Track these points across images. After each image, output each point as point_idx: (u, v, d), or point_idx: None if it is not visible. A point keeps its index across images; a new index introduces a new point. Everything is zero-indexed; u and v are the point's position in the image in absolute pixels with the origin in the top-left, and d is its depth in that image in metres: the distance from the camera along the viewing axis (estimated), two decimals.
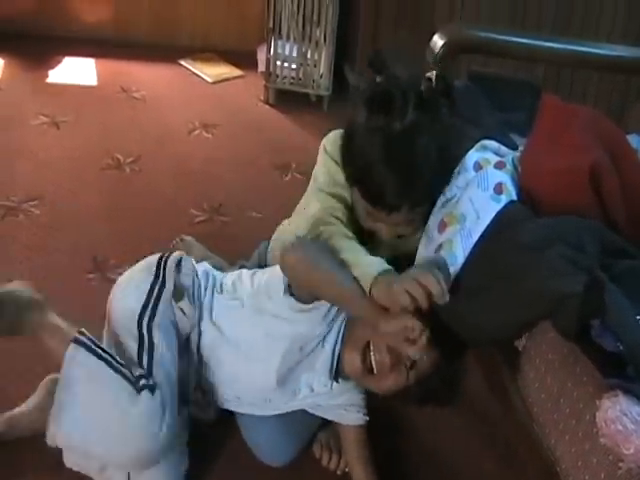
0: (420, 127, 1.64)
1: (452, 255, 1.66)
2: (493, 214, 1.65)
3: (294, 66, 3.67)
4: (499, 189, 1.70)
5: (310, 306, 1.75)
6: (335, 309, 1.78)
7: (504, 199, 1.68)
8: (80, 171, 2.97)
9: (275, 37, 3.60)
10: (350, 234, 1.73)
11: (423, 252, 1.76)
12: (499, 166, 1.77)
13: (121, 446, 1.64)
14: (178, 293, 1.84)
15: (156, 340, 1.75)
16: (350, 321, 1.80)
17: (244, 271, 1.93)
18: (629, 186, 1.69)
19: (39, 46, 3.77)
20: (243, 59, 3.97)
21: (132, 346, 1.75)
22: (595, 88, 3.40)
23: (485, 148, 1.84)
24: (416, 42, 2.49)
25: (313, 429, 1.98)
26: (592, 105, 3.31)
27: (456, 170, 1.80)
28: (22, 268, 2.42)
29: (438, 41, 2.19)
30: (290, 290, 1.74)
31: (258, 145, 3.39)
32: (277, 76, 3.68)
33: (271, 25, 3.58)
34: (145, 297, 1.81)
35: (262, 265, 2.12)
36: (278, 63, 3.65)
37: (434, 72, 1.87)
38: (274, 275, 1.78)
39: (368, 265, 1.61)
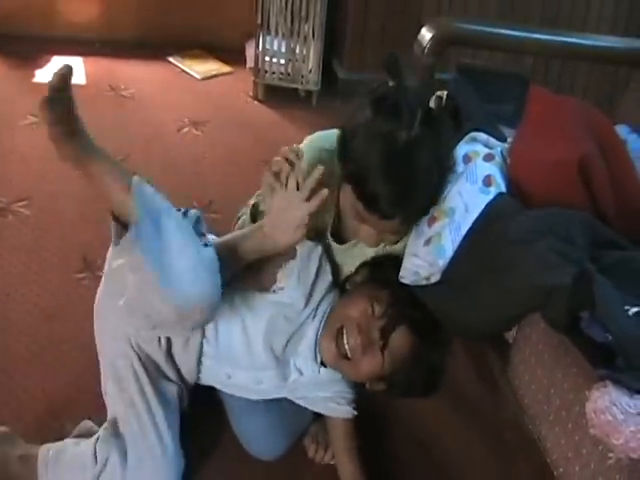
0: (423, 143, 1.61)
1: (441, 249, 1.66)
2: (482, 207, 1.65)
3: (283, 62, 3.67)
4: (488, 181, 1.70)
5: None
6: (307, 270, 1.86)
7: (493, 191, 1.68)
8: (69, 171, 2.89)
9: (263, 33, 3.60)
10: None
11: (412, 245, 1.76)
12: (488, 158, 1.76)
13: (192, 285, 1.55)
14: None
15: None
16: (331, 309, 1.86)
17: None
18: (618, 178, 1.69)
19: (26, 46, 3.76)
20: (232, 55, 3.97)
21: None
22: (584, 79, 3.41)
23: (474, 140, 1.84)
24: (404, 36, 2.49)
25: (305, 425, 1.98)
26: (581, 96, 3.33)
27: None
28: (11, 268, 2.41)
29: (426, 34, 2.18)
30: None
31: (247, 141, 3.38)
32: (266, 72, 3.68)
33: (259, 21, 3.57)
34: None
35: None
36: (267, 59, 3.65)
37: (445, 92, 1.86)
38: None
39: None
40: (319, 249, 1.88)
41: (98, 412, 1.86)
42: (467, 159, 1.77)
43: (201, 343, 1.81)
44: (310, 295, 1.85)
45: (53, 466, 1.73)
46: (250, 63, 3.74)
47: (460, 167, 1.75)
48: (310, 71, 3.67)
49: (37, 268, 2.43)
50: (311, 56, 3.64)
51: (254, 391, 1.88)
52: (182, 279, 1.54)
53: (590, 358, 1.35)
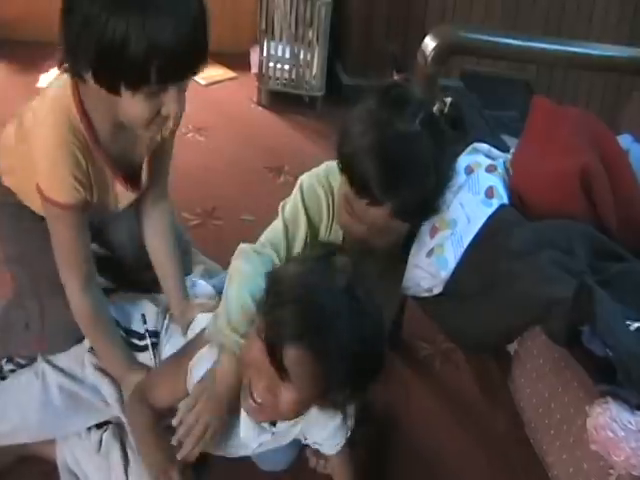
0: (420, 139, 1.58)
1: (443, 260, 1.66)
2: (484, 219, 1.66)
3: (287, 67, 3.67)
4: (490, 193, 1.70)
5: None
6: None
7: (495, 203, 1.69)
8: None
9: (268, 38, 3.60)
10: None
11: (415, 257, 1.75)
12: (490, 170, 1.77)
13: None
14: None
15: None
16: None
17: None
18: (619, 188, 1.69)
19: (30, 50, 3.75)
20: (236, 61, 3.95)
21: None
22: (587, 86, 3.40)
23: (476, 151, 1.84)
24: (408, 43, 2.49)
25: None
26: (584, 103, 3.33)
27: None
28: None
29: (430, 43, 2.18)
30: None
31: (251, 147, 3.39)
32: (270, 77, 3.68)
33: (263, 27, 3.57)
34: None
35: None
36: (271, 64, 3.65)
37: (449, 99, 1.86)
38: None
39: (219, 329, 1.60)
40: None
41: None
42: (469, 170, 1.77)
43: None
44: None
45: None
46: (254, 69, 3.75)
47: (462, 178, 1.75)
48: (314, 77, 3.67)
49: None
50: (315, 62, 3.64)
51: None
52: None
53: (591, 372, 1.35)
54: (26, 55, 3.75)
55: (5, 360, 1.85)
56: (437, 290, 1.71)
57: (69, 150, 1.55)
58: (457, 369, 1.96)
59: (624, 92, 3.28)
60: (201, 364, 1.63)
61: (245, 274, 1.65)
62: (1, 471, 1.81)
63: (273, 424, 1.62)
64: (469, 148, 1.84)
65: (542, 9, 3.39)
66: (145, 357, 1.78)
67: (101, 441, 1.78)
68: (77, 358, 1.79)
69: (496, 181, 1.73)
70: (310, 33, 3.59)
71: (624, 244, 1.63)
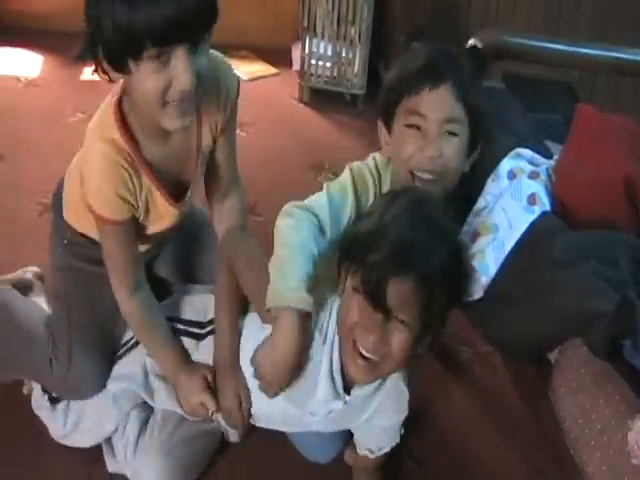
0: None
1: (484, 266, 1.66)
2: (526, 225, 1.66)
3: (329, 65, 3.66)
4: (533, 200, 1.70)
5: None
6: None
7: (537, 210, 1.69)
8: None
9: (310, 36, 3.60)
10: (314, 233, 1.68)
11: None
12: (533, 176, 1.77)
13: None
14: None
15: None
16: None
17: None
18: None
19: (74, 43, 3.79)
20: (278, 57, 3.96)
21: None
22: (632, 89, 3.37)
23: (519, 156, 1.84)
24: (451, 44, 2.48)
25: None
26: (628, 107, 3.29)
27: (489, 178, 1.80)
28: None
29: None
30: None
31: (292, 144, 3.39)
32: (312, 75, 3.68)
33: (306, 24, 3.58)
34: None
35: None
36: (313, 62, 3.65)
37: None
38: None
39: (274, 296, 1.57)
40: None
41: None
42: (512, 175, 1.77)
43: None
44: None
45: None
46: (296, 65, 3.75)
47: (504, 183, 1.75)
48: (356, 75, 3.66)
49: None
50: (357, 60, 3.64)
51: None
52: None
53: (633, 386, 1.35)
54: (70, 47, 3.78)
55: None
56: (478, 295, 1.72)
57: (116, 169, 1.60)
58: (496, 373, 1.95)
59: None
60: (248, 338, 1.70)
61: (295, 236, 1.68)
62: None
63: (347, 392, 1.65)
64: (512, 153, 1.84)
65: (586, 12, 3.37)
66: (207, 344, 1.79)
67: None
68: (137, 361, 1.84)
69: (539, 188, 1.73)
70: (352, 31, 3.59)
71: None
